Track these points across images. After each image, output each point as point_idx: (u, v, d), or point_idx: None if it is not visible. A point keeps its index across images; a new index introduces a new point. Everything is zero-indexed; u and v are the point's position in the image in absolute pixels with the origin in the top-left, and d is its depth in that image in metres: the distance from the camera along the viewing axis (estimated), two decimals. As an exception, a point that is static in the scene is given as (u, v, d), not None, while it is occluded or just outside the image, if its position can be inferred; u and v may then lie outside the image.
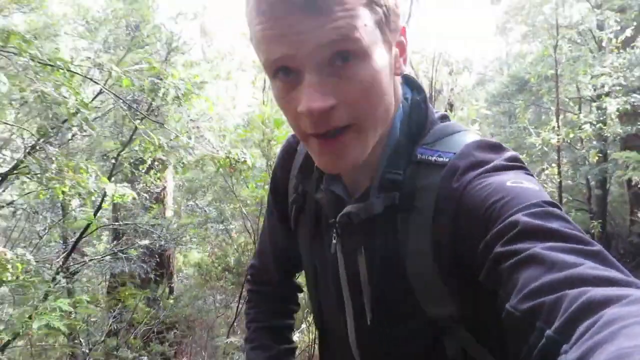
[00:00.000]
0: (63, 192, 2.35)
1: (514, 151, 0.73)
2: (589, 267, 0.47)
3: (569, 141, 7.82)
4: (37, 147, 2.79)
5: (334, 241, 0.81)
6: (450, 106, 5.29)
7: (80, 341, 3.56)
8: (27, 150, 2.84)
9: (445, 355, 0.76)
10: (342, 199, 0.81)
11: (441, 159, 0.72)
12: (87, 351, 3.41)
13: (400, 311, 0.77)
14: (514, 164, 0.68)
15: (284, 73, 0.65)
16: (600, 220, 7.78)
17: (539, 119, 10.19)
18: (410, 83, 0.83)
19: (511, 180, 0.63)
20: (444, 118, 0.81)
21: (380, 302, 0.78)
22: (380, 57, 0.67)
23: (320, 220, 0.86)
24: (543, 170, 7.58)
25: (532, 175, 0.68)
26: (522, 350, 0.48)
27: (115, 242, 4.74)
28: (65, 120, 2.74)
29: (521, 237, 0.54)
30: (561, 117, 7.94)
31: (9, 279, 2.23)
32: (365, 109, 0.66)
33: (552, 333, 0.43)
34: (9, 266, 2.17)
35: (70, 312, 2.89)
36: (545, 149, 7.52)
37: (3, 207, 3.80)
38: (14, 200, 4.01)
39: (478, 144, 0.73)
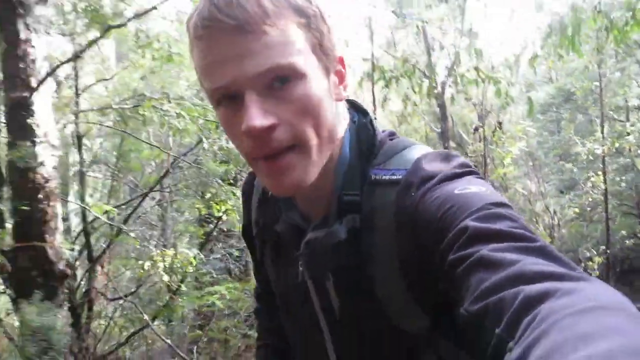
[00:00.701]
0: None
1: (462, 157, 0.76)
2: (528, 263, 0.49)
3: (614, 150, 8.27)
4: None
5: (300, 269, 0.81)
6: (500, 124, 5.92)
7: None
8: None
9: None
10: (300, 227, 0.82)
11: (394, 177, 0.74)
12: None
13: (375, 329, 0.78)
14: (463, 171, 0.70)
15: (227, 99, 0.67)
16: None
17: (586, 127, 10.58)
18: (355, 107, 0.85)
19: (458, 188, 0.65)
20: (392, 135, 0.83)
21: (354, 326, 0.80)
22: (317, 80, 0.69)
23: (283, 250, 0.87)
24: (589, 178, 8.04)
25: (481, 178, 0.71)
26: (479, 350, 0.49)
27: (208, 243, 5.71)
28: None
29: (470, 242, 0.56)
30: (607, 125, 8.40)
31: (190, 271, 3.23)
32: (305, 128, 0.68)
33: (500, 332, 0.45)
34: (191, 262, 3.17)
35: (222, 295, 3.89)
36: (591, 157, 8.01)
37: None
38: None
39: (427, 157, 0.74)
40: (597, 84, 8.23)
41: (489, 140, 5.68)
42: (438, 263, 0.61)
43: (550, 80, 11.52)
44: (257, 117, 0.64)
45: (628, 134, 7.99)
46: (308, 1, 0.68)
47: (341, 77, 0.76)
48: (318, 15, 0.69)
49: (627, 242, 8.37)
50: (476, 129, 6.14)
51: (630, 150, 8.64)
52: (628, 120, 8.91)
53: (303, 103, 0.67)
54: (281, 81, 0.65)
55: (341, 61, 0.76)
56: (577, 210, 8.18)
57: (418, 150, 0.77)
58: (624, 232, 8.35)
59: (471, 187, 0.64)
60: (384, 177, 0.75)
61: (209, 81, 0.67)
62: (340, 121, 0.77)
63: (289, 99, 0.66)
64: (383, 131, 0.83)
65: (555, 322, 0.39)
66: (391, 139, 0.81)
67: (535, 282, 0.46)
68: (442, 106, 5.81)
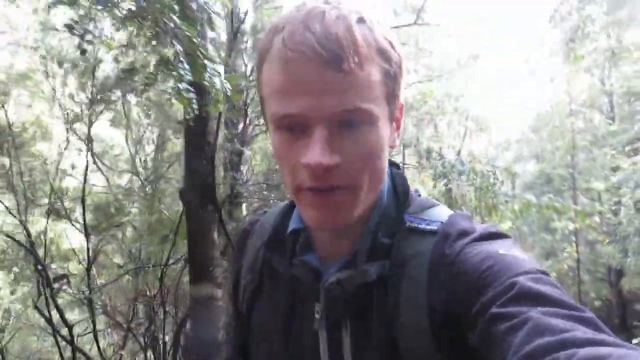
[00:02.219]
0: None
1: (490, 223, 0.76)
2: (580, 332, 0.49)
3: (585, 226, 10.10)
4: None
5: (317, 316, 0.75)
6: (494, 206, 7.55)
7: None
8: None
9: None
10: (317, 270, 0.78)
11: (430, 227, 0.73)
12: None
13: None
14: (498, 232, 0.71)
15: (291, 127, 0.67)
16: (616, 288, 9.85)
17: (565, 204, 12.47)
18: (389, 161, 0.83)
19: (503, 248, 0.65)
20: (417, 191, 0.84)
21: None
22: (384, 127, 0.70)
23: (292, 296, 0.80)
24: (564, 248, 9.81)
25: (516, 245, 0.70)
26: None
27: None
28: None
29: (517, 300, 0.55)
30: (580, 205, 10.25)
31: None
32: (364, 172, 0.68)
33: None
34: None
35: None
36: (566, 232, 9.83)
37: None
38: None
39: (461, 215, 0.76)
40: (572, 170, 10.20)
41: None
42: (474, 314, 0.59)
43: (537, 157, 13.57)
44: (325, 154, 0.63)
45: (600, 212, 9.86)
46: (392, 47, 0.69)
47: (398, 125, 0.77)
48: (399, 62, 0.70)
49: (596, 303, 10.05)
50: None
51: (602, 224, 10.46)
52: (599, 200, 10.80)
53: (368, 149, 0.67)
54: (353, 123, 0.65)
55: (401, 109, 0.77)
56: (554, 274, 9.90)
57: (446, 209, 0.78)
58: (593, 295, 10.05)
59: (514, 251, 0.65)
60: (419, 225, 0.74)
61: (280, 105, 0.66)
62: (386, 169, 0.77)
63: (356, 142, 0.66)
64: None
65: None
66: (419, 195, 0.82)
67: (588, 347, 0.46)
68: (449, 190, 7.46)
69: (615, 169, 10.00)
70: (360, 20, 0.65)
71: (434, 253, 0.70)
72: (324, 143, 0.64)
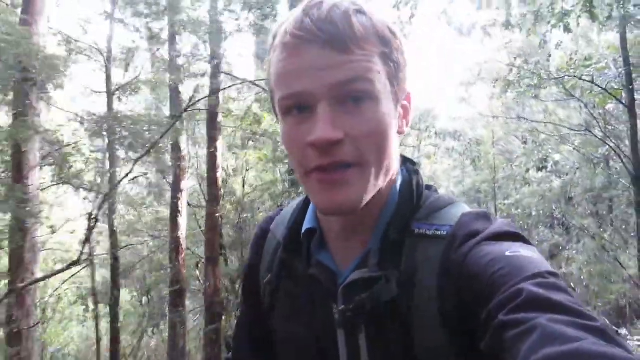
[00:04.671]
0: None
1: (504, 219, 0.74)
2: (590, 343, 0.48)
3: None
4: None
5: (336, 316, 0.76)
6: None
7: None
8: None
9: None
10: (332, 270, 0.79)
11: (439, 232, 0.72)
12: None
13: None
14: (509, 231, 0.69)
15: (297, 110, 0.69)
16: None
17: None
18: (404, 158, 0.85)
19: (510, 250, 0.64)
20: (430, 188, 0.83)
21: None
22: (388, 106, 0.70)
23: (312, 295, 0.81)
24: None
25: (530, 243, 0.69)
26: None
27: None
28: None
29: (526, 307, 0.54)
30: (499, 215, 13.36)
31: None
32: (370, 148, 0.68)
33: None
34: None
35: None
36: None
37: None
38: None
39: (473, 215, 0.74)
40: (493, 185, 13.33)
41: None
42: (483, 320, 0.59)
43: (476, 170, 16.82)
44: (327, 129, 0.65)
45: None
46: (393, 34, 0.72)
47: (406, 112, 0.77)
48: (400, 48, 0.72)
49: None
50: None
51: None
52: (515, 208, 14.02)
53: (373, 124, 0.68)
54: (355, 99, 0.67)
55: (408, 97, 0.78)
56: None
57: (461, 208, 0.76)
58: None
59: (522, 252, 0.63)
60: (427, 232, 0.73)
61: (284, 87, 0.69)
62: (396, 157, 0.77)
63: (360, 118, 0.67)
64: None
65: None
66: (432, 194, 0.81)
67: None
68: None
69: (526, 182, 13.17)
70: (358, 10, 0.69)
71: (442, 259, 0.70)
72: (327, 119, 0.66)
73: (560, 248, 11.63)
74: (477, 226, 0.71)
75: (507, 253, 0.63)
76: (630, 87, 6.07)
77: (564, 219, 11.46)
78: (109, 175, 6.77)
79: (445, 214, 0.76)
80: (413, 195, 0.78)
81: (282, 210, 0.93)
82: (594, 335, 0.49)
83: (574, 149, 10.95)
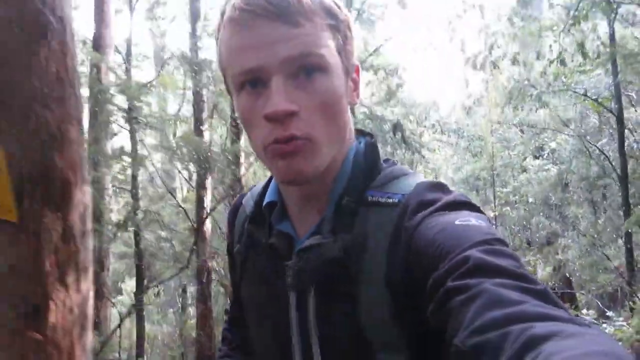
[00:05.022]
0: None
1: (459, 191, 0.76)
2: (533, 305, 0.49)
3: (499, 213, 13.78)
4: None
5: (288, 280, 0.78)
6: None
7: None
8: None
9: None
10: (291, 237, 0.82)
11: (391, 200, 0.74)
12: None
13: (351, 357, 0.74)
14: (463, 201, 0.70)
15: (250, 85, 0.71)
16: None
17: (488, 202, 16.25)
18: (361, 131, 0.87)
19: (460, 218, 0.65)
20: (388, 161, 0.84)
21: (329, 346, 0.76)
22: (339, 78, 0.73)
23: (272, 263, 0.83)
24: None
25: (481, 212, 0.70)
26: None
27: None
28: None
29: (471, 273, 0.55)
30: (497, 201, 13.88)
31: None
32: (322, 120, 0.71)
33: None
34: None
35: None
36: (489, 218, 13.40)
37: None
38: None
39: (427, 185, 0.75)
40: (492, 172, 13.82)
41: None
42: (430, 288, 0.59)
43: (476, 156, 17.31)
44: (282, 100, 0.67)
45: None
46: (339, 8, 0.75)
47: (355, 85, 0.80)
48: (346, 22, 0.75)
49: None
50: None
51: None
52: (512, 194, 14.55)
53: (325, 96, 0.71)
54: (307, 72, 0.69)
55: (357, 70, 0.81)
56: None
57: (416, 178, 0.78)
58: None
59: (472, 220, 0.64)
60: (380, 199, 0.75)
61: (237, 64, 0.70)
62: (349, 128, 0.80)
63: (313, 90, 0.70)
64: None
65: None
66: (390, 166, 0.82)
67: (540, 322, 0.46)
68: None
69: (523, 170, 13.66)
70: None
71: (394, 227, 0.71)
72: (280, 92, 0.68)
73: (557, 236, 12.18)
74: (431, 196, 0.72)
75: (457, 222, 0.65)
76: (619, 97, 6.54)
77: (560, 206, 12.00)
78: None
79: (400, 183, 0.78)
80: (367, 165, 0.80)
81: (254, 187, 0.97)
82: (537, 298, 0.51)
83: (570, 136, 11.39)
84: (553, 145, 12.98)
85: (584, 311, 8.11)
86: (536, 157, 13.68)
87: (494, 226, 0.64)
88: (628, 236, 6.80)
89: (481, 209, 0.72)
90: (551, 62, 6.21)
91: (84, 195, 1.72)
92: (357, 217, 0.75)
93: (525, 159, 13.44)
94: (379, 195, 0.76)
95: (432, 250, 0.63)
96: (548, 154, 13.09)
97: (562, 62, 5.91)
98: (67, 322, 1.61)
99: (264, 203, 0.85)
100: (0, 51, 1.52)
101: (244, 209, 0.94)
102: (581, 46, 5.49)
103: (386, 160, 0.84)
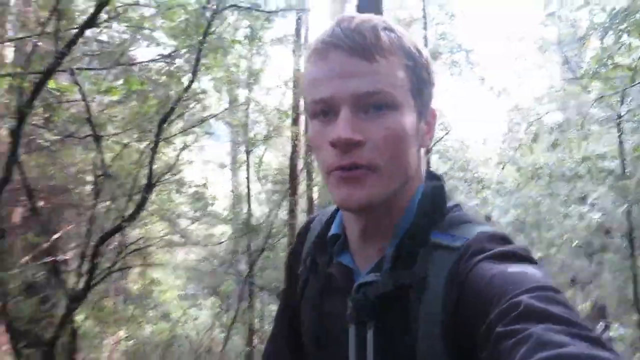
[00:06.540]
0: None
1: (522, 244, 0.75)
2: (581, 347, 0.49)
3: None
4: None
5: (348, 312, 0.80)
6: None
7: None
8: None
9: None
10: (350, 270, 0.84)
11: (454, 244, 0.75)
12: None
13: None
14: (521, 254, 0.70)
15: (322, 113, 0.75)
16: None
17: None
18: (432, 174, 0.87)
19: (514, 267, 0.65)
20: (457, 207, 0.84)
21: None
22: (408, 118, 0.74)
23: (331, 292, 0.86)
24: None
25: (539, 266, 0.69)
26: None
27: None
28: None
29: (522, 318, 0.55)
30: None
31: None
32: (387, 154, 0.73)
33: None
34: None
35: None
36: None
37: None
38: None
39: (490, 233, 0.75)
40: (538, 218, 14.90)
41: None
42: (482, 333, 0.60)
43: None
44: (347, 130, 0.70)
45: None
46: (419, 52, 0.76)
47: (430, 128, 0.81)
48: (424, 65, 0.77)
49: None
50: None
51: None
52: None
53: (391, 131, 0.72)
54: (377, 108, 0.72)
55: (433, 114, 0.82)
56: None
57: (481, 227, 0.77)
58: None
59: (526, 270, 0.64)
60: (443, 242, 0.76)
61: (313, 93, 0.74)
62: (417, 168, 0.81)
63: (380, 125, 0.72)
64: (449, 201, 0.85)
65: None
66: (457, 211, 0.83)
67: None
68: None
69: (566, 216, 14.69)
70: (387, 27, 0.75)
71: (451, 270, 0.72)
72: (347, 121, 0.70)
73: (597, 275, 13.02)
74: (490, 244, 0.72)
75: (509, 269, 0.65)
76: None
77: (599, 252, 12.89)
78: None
79: (464, 228, 0.78)
80: (433, 207, 0.81)
81: (326, 210, 0.99)
82: (587, 342, 0.50)
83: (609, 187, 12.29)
84: (595, 195, 13.92)
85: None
86: (579, 205, 14.58)
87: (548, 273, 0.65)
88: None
89: (537, 261, 0.71)
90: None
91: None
92: (418, 257, 0.77)
93: (570, 206, 14.35)
94: (442, 238, 0.77)
95: (484, 294, 0.64)
96: (591, 202, 14.03)
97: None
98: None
99: (329, 235, 0.88)
100: None
101: (314, 230, 0.97)
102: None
103: (454, 205, 0.85)
